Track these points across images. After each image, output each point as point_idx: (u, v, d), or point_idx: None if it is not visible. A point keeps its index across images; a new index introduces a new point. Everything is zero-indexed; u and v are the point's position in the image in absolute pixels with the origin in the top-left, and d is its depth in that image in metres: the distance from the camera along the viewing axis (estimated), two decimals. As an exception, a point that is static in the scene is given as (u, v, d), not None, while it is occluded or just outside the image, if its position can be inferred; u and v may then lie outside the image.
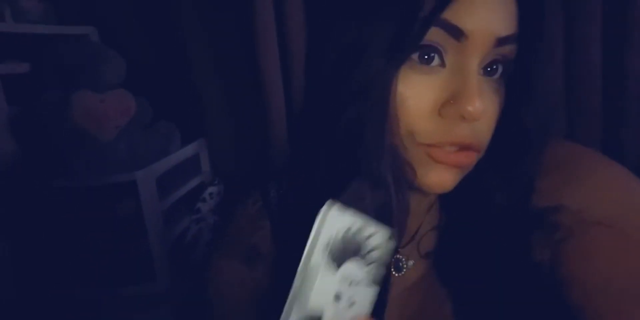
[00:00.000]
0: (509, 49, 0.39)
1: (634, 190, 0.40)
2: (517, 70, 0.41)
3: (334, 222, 0.29)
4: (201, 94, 1.22)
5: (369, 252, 0.29)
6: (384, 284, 0.47)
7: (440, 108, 0.38)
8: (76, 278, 1.00)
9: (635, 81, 0.93)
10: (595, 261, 0.38)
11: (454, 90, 0.37)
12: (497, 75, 0.40)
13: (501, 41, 0.37)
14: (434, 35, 0.36)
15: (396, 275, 0.48)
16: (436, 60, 0.38)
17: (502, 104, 0.41)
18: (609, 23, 0.93)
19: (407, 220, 0.41)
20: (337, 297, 0.28)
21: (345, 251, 0.29)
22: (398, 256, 0.49)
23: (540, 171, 0.43)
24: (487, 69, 0.39)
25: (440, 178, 0.39)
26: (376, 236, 0.30)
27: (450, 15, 0.36)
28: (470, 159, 0.40)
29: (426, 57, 0.37)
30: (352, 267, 0.29)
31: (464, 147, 0.39)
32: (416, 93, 0.38)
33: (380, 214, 0.39)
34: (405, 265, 0.48)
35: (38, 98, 1.01)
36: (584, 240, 0.39)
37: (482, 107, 0.36)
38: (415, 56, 0.37)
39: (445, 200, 0.48)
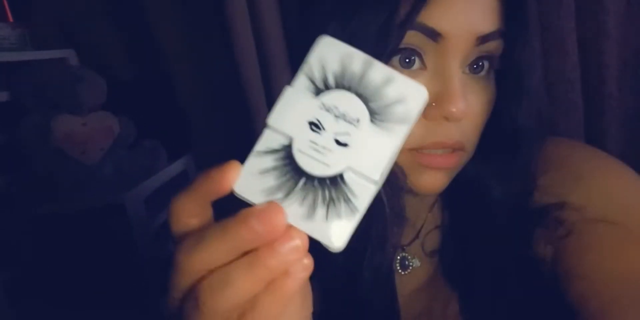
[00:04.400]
0: (493, 46, 0.38)
1: (636, 187, 0.41)
2: (505, 65, 0.41)
3: (326, 51, 0.25)
4: (185, 109, 1.21)
5: (367, 89, 0.24)
6: (391, 284, 0.48)
7: (425, 111, 0.37)
8: (69, 302, 1.00)
9: (613, 71, 0.93)
10: (597, 257, 0.38)
11: (436, 92, 0.37)
12: (483, 72, 0.40)
13: (483, 39, 0.37)
14: (411, 38, 0.36)
15: (402, 273, 0.49)
16: (417, 64, 0.38)
17: (492, 100, 0.41)
18: (583, 14, 0.93)
19: (403, 222, 0.42)
20: (314, 126, 0.24)
21: (333, 79, 0.24)
22: (404, 254, 0.49)
23: (542, 168, 0.43)
24: (473, 67, 0.39)
25: (430, 181, 0.40)
26: (392, 84, 0.24)
27: (426, 17, 0.36)
28: (457, 159, 0.40)
29: (407, 60, 0.38)
30: (339, 98, 0.24)
31: (450, 148, 0.39)
32: None
33: (374, 216, 0.39)
34: (411, 264, 0.49)
35: (19, 125, 1.01)
36: (587, 236, 0.39)
37: (465, 107, 0.36)
38: (395, 60, 0.37)
39: (446, 198, 0.49)
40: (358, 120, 0.24)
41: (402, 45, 0.37)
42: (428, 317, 0.47)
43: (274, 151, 0.24)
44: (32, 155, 1.01)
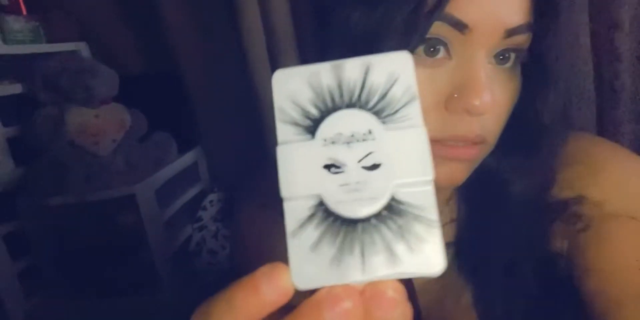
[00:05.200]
0: (521, 39, 0.37)
1: None
2: (533, 58, 0.40)
3: (288, 86, 0.21)
4: (195, 102, 1.22)
5: (353, 92, 0.21)
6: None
7: (446, 102, 0.37)
8: (80, 291, 1.02)
9: (627, 64, 0.92)
10: (614, 251, 0.38)
11: (460, 83, 0.36)
12: (509, 64, 0.39)
13: (511, 32, 0.36)
14: (437, 28, 0.35)
15: None
16: (442, 53, 0.37)
17: (517, 92, 0.40)
18: (596, 7, 0.92)
19: None
20: (333, 167, 0.20)
21: (313, 107, 0.21)
22: None
23: (562, 162, 0.42)
24: (500, 58, 0.38)
25: (449, 174, 0.39)
26: (371, 68, 0.21)
27: (453, 8, 0.35)
28: (478, 151, 0.39)
29: (432, 49, 0.37)
30: (336, 123, 0.21)
31: (470, 141, 0.38)
32: (422, 87, 0.37)
33: None
34: None
35: (32, 117, 1.02)
36: (605, 231, 0.39)
37: (490, 100, 0.35)
38: (420, 50, 0.37)
39: (464, 191, 0.48)
40: (370, 131, 0.20)
41: (427, 35, 0.36)
42: (440, 308, 0.47)
43: (309, 219, 0.20)
44: (45, 147, 1.03)
